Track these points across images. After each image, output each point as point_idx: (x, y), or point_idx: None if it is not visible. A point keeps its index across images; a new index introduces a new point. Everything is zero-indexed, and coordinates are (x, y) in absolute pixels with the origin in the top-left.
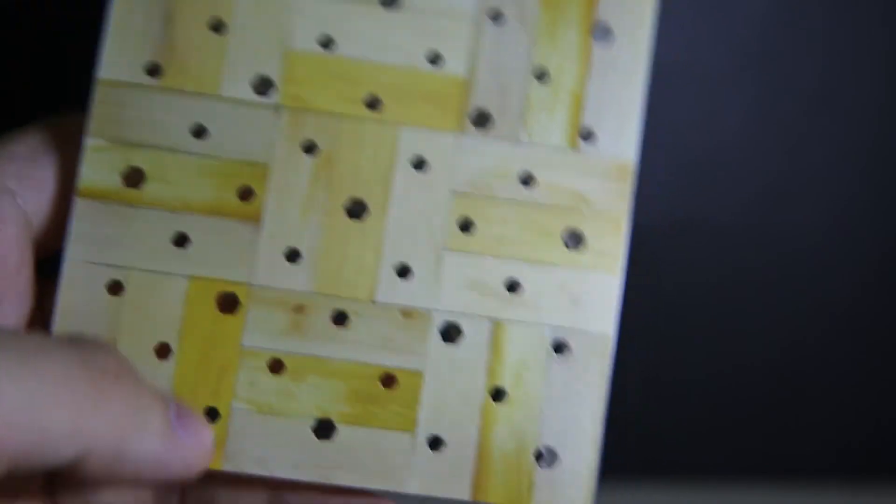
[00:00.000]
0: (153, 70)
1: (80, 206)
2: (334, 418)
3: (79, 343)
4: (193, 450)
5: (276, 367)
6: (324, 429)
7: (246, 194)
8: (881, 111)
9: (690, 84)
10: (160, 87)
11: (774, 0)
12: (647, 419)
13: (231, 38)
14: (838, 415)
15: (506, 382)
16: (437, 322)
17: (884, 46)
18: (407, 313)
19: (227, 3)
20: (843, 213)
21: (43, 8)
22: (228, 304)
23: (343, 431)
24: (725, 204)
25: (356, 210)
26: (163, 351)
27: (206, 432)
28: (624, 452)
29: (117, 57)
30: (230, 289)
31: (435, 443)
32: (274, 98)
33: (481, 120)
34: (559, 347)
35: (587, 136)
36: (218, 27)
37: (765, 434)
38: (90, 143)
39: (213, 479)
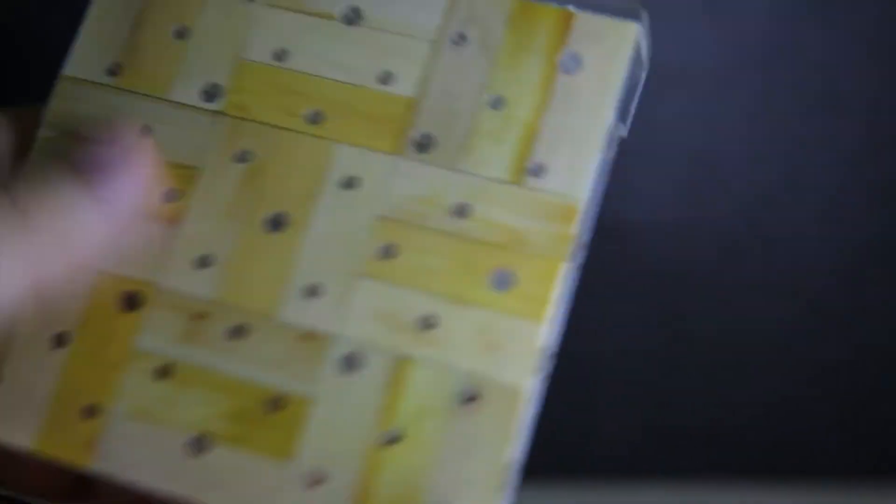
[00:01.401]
0: (114, 70)
1: None
2: (212, 435)
3: None
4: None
5: (165, 372)
6: (200, 445)
7: (171, 195)
8: (880, 111)
9: (690, 84)
10: (115, 87)
11: (774, 0)
12: (648, 418)
13: (190, 44)
14: (838, 414)
15: (402, 425)
16: (339, 349)
17: (884, 46)
18: (308, 336)
19: (192, 11)
20: (843, 211)
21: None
22: (131, 302)
23: (218, 450)
24: (725, 203)
25: (277, 223)
26: (60, 340)
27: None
28: (627, 452)
29: (84, 57)
30: (135, 287)
31: (312, 478)
32: (219, 105)
33: (423, 144)
34: (467, 395)
35: (536, 171)
36: (182, 34)
37: (765, 433)
38: (43, 133)
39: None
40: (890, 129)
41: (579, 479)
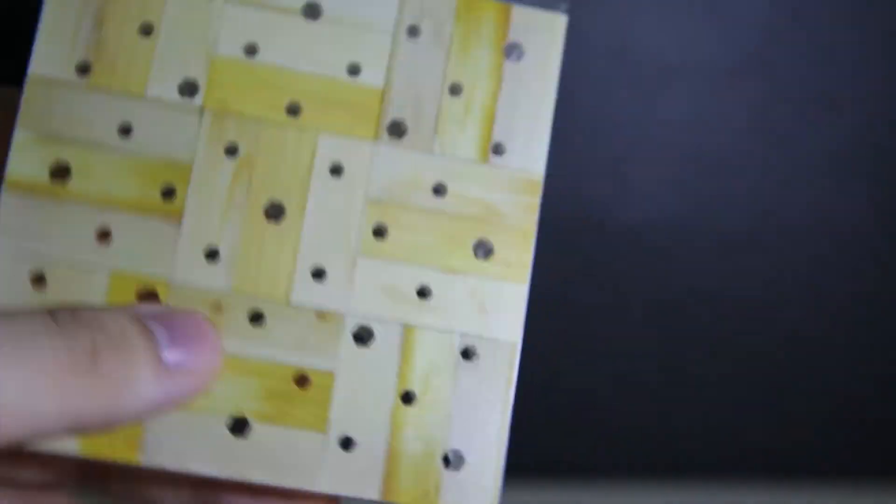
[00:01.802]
0: (83, 69)
1: (7, 199)
2: (249, 416)
3: (61, 323)
4: (193, 374)
5: None
6: (239, 426)
7: (168, 193)
8: (880, 112)
9: (690, 84)
10: (88, 86)
11: (774, 1)
12: (648, 418)
13: (159, 41)
14: (838, 414)
15: (415, 386)
16: (350, 325)
17: (883, 48)
18: (321, 315)
19: (156, 8)
20: (842, 210)
21: None
22: (148, 300)
23: (257, 429)
24: (724, 203)
25: (274, 212)
26: None
27: (207, 348)
28: (627, 452)
29: (49, 53)
30: (150, 285)
31: (346, 443)
32: (198, 101)
33: (397, 130)
34: (467, 354)
35: (497, 150)
36: (147, 30)
37: (765, 433)
38: (19, 135)
39: (137, 475)
40: (889, 128)
41: (579, 479)
